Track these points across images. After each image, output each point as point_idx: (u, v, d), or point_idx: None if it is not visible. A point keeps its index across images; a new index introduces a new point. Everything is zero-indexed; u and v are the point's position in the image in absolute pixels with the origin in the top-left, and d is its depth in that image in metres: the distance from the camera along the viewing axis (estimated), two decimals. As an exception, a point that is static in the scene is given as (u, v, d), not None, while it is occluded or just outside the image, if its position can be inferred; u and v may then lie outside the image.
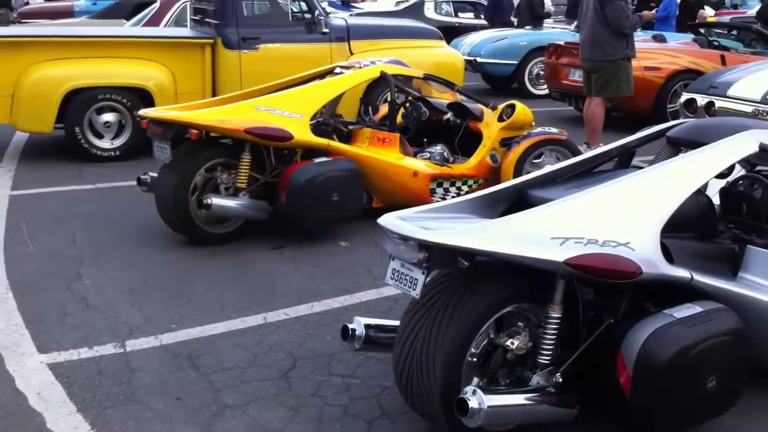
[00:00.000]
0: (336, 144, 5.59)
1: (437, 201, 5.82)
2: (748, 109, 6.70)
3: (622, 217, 3.04)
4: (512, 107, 6.23)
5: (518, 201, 3.39)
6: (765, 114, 6.57)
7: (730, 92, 6.97)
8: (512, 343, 2.97)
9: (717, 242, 3.44)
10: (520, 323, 3.02)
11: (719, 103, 6.98)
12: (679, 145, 3.74)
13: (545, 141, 6.16)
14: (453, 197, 5.85)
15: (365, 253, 5.26)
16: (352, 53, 8.39)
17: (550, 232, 2.87)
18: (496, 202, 3.39)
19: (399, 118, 6.29)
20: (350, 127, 5.88)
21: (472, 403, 2.73)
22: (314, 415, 3.33)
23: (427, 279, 2.90)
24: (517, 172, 6.06)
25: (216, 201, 5.10)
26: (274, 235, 5.42)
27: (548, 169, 3.64)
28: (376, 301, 4.50)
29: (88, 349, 3.85)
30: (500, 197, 3.40)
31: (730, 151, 3.38)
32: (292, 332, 4.09)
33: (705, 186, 3.50)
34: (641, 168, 3.56)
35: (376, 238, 5.45)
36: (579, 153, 6.23)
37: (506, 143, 6.24)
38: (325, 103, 5.68)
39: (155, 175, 5.36)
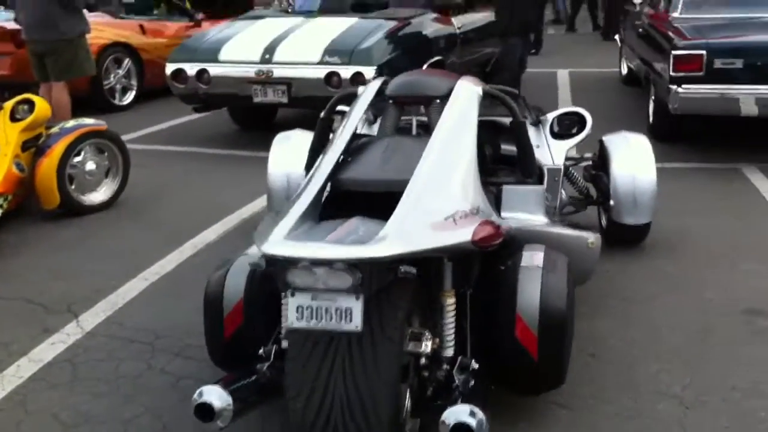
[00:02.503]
0: None
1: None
2: (250, 71, 6.68)
3: (460, 184, 2.81)
4: (29, 102, 5.12)
5: (331, 193, 2.84)
6: (270, 74, 6.62)
7: (223, 56, 6.84)
8: (425, 346, 2.51)
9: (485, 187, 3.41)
10: (415, 323, 2.58)
11: (214, 69, 6.81)
12: (403, 103, 3.54)
13: (85, 135, 5.23)
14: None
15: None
16: None
17: (440, 213, 2.54)
18: (318, 202, 2.77)
19: None
20: None
21: (475, 425, 2.24)
22: None
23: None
24: (61, 178, 5.09)
25: None
26: None
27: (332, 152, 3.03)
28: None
29: None
30: (319, 194, 2.78)
31: (471, 102, 3.34)
32: None
33: None
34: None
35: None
36: (122, 142, 5.50)
37: (30, 145, 5.14)
38: None
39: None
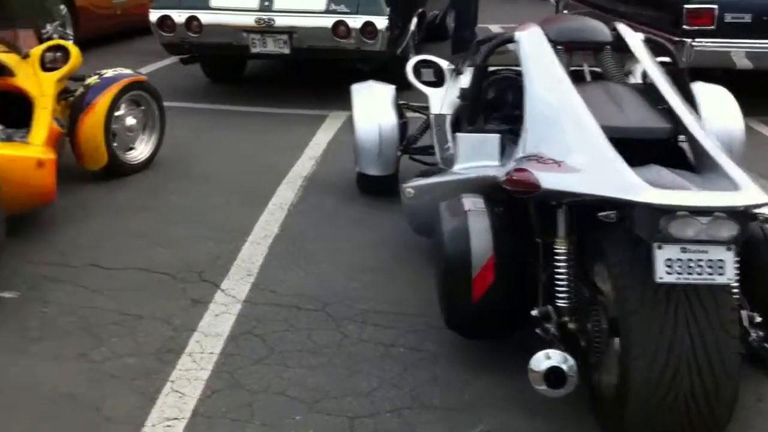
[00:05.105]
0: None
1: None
2: (249, 19, 6.27)
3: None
4: (64, 50, 4.59)
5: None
6: (272, 23, 6.25)
7: (215, 2, 6.38)
8: None
9: None
10: None
11: (206, 17, 6.34)
12: (573, 49, 3.44)
13: (127, 87, 4.75)
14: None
15: (61, 294, 3.38)
16: None
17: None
18: None
19: None
20: None
21: None
22: None
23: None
24: (107, 135, 4.61)
25: None
26: None
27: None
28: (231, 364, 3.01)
29: None
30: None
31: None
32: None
33: None
34: None
35: (42, 268, 3.57)
36: (159, 95, 5.05)
37: (63, 98, 4.63)
38: None
39: None
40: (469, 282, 2.69)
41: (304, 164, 5.08)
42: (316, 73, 7.69)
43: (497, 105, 3.83)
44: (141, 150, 4.92)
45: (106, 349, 2.96)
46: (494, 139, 3.38)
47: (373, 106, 4.36)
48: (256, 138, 5.71)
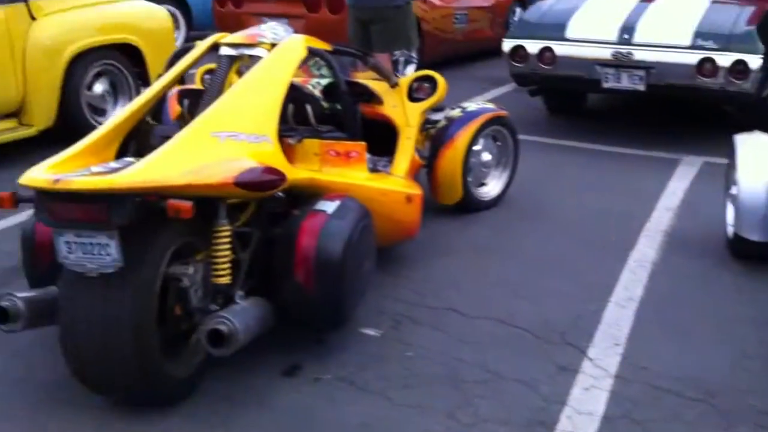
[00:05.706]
0: (322, 176, 3.42)
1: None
2: (606, 52, 5.97)
3: None
4: (431, 80, 4.57)
5: None
6: (630, 56, 5.90)
7: (570, 33, 6.15)
8: None
9: None
10: None
11: (560, 48, 6.13)
12: None
13: (488, 122, 4.66)
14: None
15: (421, 337, 3.31)
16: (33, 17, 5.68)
17: None
18: None
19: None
20: (290, 140, 3.64)
21: None
22: None
23: None
24: (465, 167, 4.53)
25: (238, 323, 2.69)
26: (261, 351, 3.08)
27: None
28: None
29: None
30: None
31: None
32: None
33: None
34: None
35: (401, 306, 3.54)
36: (516, 131, 4.89)
37: (424, 128, 4.61)
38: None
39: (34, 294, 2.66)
40: None
41: (662, 216, 4.68)
42: (665, 111, 7.20)
43: None
44: (492, 186, 4.81)
45: (473, 411, 2.82)
46: None
47: (762, 162, 3.91)
48: (603, 180, 5.40)
